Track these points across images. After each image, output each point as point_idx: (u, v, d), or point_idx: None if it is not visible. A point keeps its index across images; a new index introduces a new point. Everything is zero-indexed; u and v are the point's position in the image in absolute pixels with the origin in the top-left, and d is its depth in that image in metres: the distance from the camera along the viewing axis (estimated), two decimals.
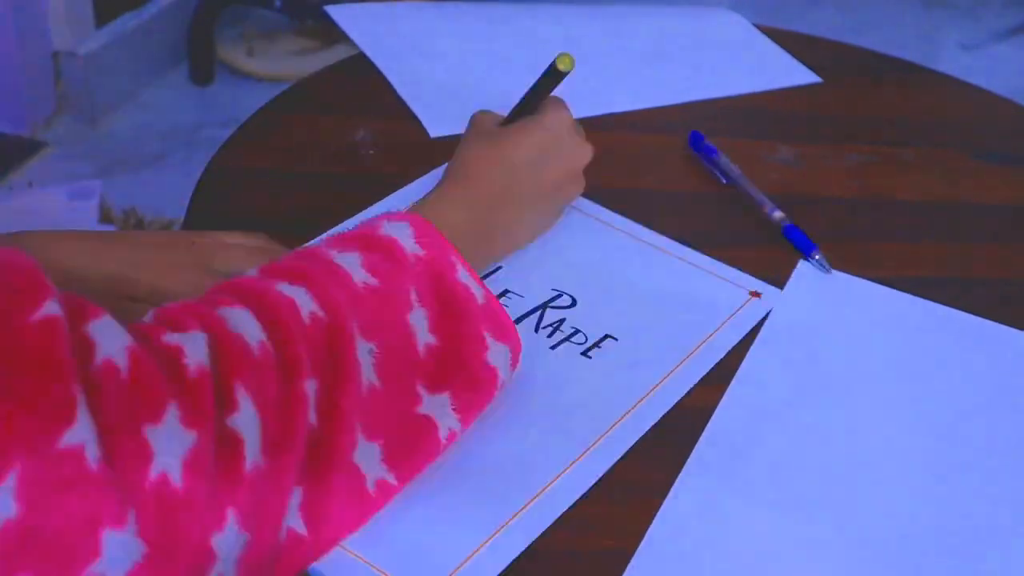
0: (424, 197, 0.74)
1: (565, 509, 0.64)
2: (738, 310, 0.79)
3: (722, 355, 0.75)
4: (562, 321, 0.76)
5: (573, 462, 0.66)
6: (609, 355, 0.73)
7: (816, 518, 0.65)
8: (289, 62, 2.27)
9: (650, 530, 0.63)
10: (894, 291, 0.83)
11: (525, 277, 0.79)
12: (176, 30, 2.26)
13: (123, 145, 2.08)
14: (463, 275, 0.66)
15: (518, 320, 0.75)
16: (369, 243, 0.64)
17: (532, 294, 0.78)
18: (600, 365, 0.73)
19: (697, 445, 0.69)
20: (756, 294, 0.81)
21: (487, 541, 0.61)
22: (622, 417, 0.69)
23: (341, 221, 0.83)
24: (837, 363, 0.76)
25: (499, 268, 0.79)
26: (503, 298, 0.77)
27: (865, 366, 0.76)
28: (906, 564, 0.64)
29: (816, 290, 0.82)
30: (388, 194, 0.87)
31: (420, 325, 0.63)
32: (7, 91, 2.04)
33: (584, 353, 0.73)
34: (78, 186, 1.93)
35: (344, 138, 0.94)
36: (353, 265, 0.62)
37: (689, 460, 0.68)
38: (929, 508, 0.67)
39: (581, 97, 1.03)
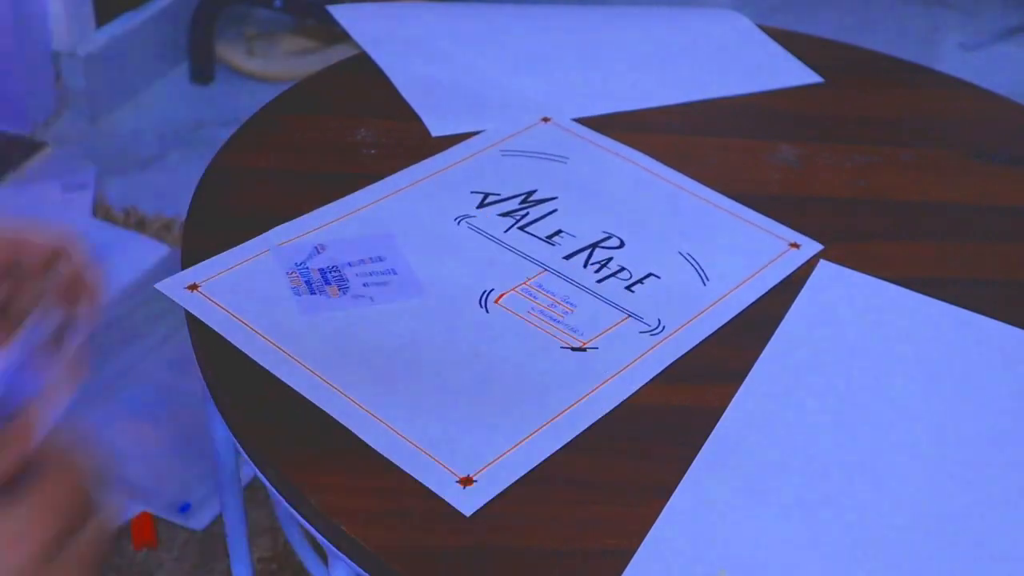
0: None
1: (592, 423, 0.70)
2: (777, 258, 0.85)
3: (755, 298, 0.81)
4: (610, 259, 0.83)
5: (599, 385, 0.73)
6: (650, 290, 0.80)
7: (823, 520, 0.65)
8: (289, 62, 2.27)
9: (652, 530, 0.63)
10: (910, 292, 0.83)
11: (579, 219, 0.86)
12: (176, 30, 2.26)
13: (123, 145, 2.07)
14: None
15: (569, 256, 0.82)
16: None
17: (584, 235, 0.85)
18: (641, 298, 0.79)
19: (706, 444, 0.69)
20: (795, 245, 0.86)
21: (527, 438, 0.68)
22: (653, 347, 0.76)
23: None
24: (852, 365, 0.76)
25: (555, 210, 0.87)
26: (556, 236, 0.84)
27: (880, 369, 0.76)
28: (914, 565, 0.63)
29: (833, 291, 0.82)
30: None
31: None
32: (7, 91, 2.04)
33: (628, 288, 0.80)
34: (71, 177, 1.93)
35: (344, 138, 0.94)
36: None
37: (697, 459, 0.68)
38: (939, 510, 0.67)
39: (583, 97, 1.03)
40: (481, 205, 0.87)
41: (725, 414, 0.71)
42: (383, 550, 0.62)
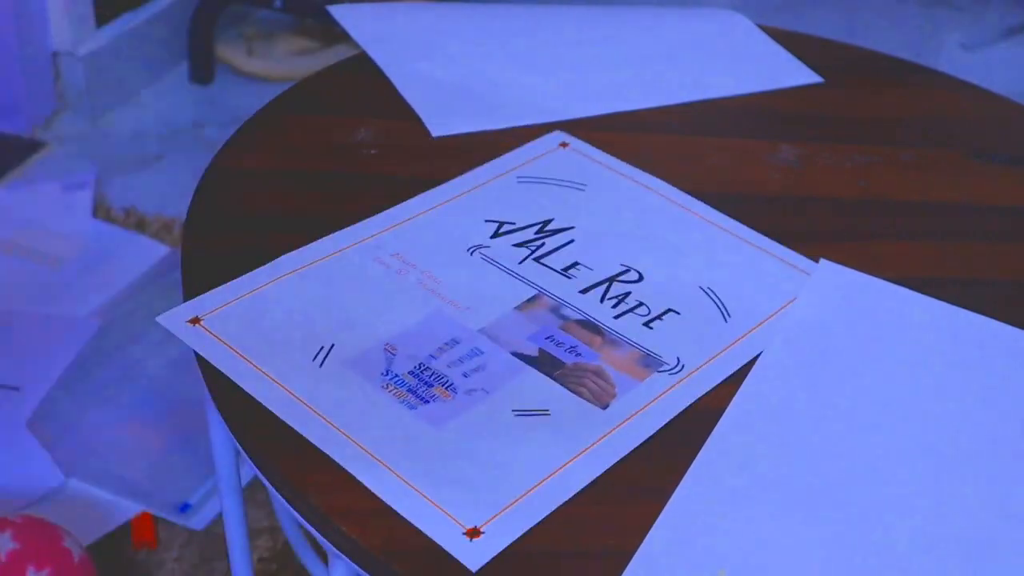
0: None
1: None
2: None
3: (780, 334, 0.78)
4: (628, 294, 0.80)
5: (612, 430, 0.70)
6: (670, 326, 0.78)
7: (824, 520, 0.65)
8: (289, 62, 2.27)
9: (652, 530, 0.63)
10: (910, 292, 0.82)
11: (596, 251, 0.84)
12: (176, 30, 2.26)
13: (123, 145, 2.07)
14: None
15: (585, 290, 0.80)
16: None
17: (601, 268, 0.82)
18: (660, 335, 0.77)
19: (706, 444, 0.69)
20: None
21: (535, 487, 0.66)
22: (670, 388, 0.73)
23: (341, 221, 0.83)
24: (852, 365, 0.76)
25: (572, 241, 0.84)
26: (573, 269, 0.81)
27: (880, 369, 0.76)
28: (914, 565, 0.63)
29: (835, 291, 0.82)
30: (388, 193, 0.87)
31: None
32: (7, 91, 2.04)
33: (646, 324, 0.78)
34: (71, 177, 1.93)
35: (344, 138, 0.94)
36: None
37: (696, 460, 0.68)
38: (939, 510, 0.67)
39: (583, 97, 1.03)
40: (496, 235, 0.84)
41: (725, 414, 0.71)
42: (383, 550, 0.62)
